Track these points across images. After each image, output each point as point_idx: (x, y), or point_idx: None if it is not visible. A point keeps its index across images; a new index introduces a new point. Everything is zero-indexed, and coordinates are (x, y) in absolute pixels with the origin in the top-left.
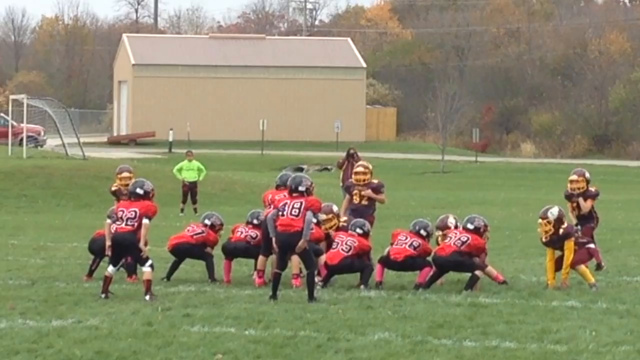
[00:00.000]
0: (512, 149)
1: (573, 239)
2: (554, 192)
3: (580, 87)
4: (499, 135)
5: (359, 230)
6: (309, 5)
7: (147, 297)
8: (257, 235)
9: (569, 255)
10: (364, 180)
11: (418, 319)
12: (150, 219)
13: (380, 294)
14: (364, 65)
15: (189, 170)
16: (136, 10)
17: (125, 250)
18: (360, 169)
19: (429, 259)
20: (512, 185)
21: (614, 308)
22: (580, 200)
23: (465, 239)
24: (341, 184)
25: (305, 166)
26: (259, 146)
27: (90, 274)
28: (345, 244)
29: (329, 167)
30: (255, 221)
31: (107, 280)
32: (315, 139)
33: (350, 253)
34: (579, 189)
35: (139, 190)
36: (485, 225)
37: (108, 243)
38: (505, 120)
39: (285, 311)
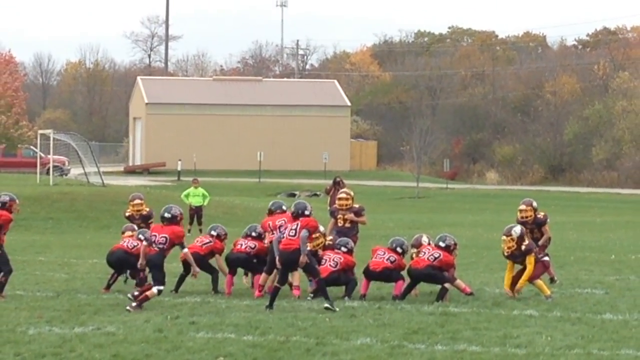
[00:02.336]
0: (478, 177)
1: (533, 254)
2: (514, 215)
3: (538, 122)
4: (466, 165)
5: (343, 249)
6: (301, 52)
7: (133, 305)
8: (255, 246)
9: (530, 269)
10: (346, 205)
11: (395, 326)
12: (182, 245)
13: (363, 304)
14: (349, 103)
15: (195, 196)
16: (149, 56)
17: (151, 269)
18: (343, 195)
19: (404, 272)
20: (478, 209)
21: (567, 316)
22: (544, 229)
23: (437, 255)
24: (329, 208)
25: (297, 192)
26: (256, 175)
27: (108, 287)
28: (333, 260)
29: (317, 193)
30: (253, 234)
31: (146, 289)
32: (306, 168)
33: (337, 268)
34: (528, 217)
35: (167, 215)
36: (455, 244)
37: (142, 262)
38: (472, 152)
39: (279, 319)
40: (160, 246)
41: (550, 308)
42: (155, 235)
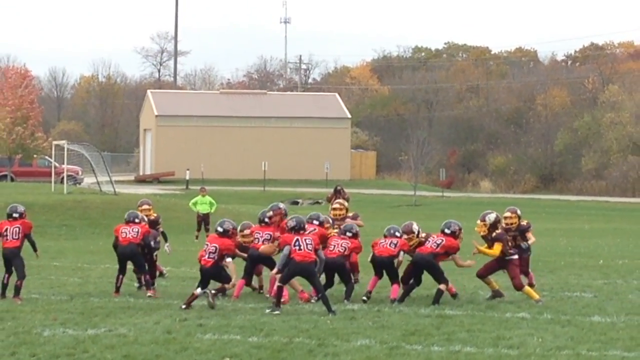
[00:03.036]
0: (473, 186)
1: (502, 243)
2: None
3: (530, 134)
4: (461, 175)
5: (349, 234)
6: (303, 66)
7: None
8: (270, 236)
9: (494, 252)
10: (340, 214)
11: (393, 328)
12: (231, 256)
13: (362, 307)
14: (349, 116)
15: (202, 204)
16: (159, 70)
17: (214, 278)
18: (337, 205)
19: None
20: (472, 217)
21: (557, 319)
22: (528, 235)
23: (440, 240)
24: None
25: (300, 200)
26: (261, 183)
27: (117, 290)
28: (341, 245)
29: (319, 200)
30: (266, 219)
31: (193, 296)
32: (308, 177)
33: (346, 253)
34: (512, 224)
35: (219, 229)
36: (460, 229)
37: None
38: (467, 162)
39: (282, 321)
40: (212, 256)
41: (541, 311)
42: (207, 245)
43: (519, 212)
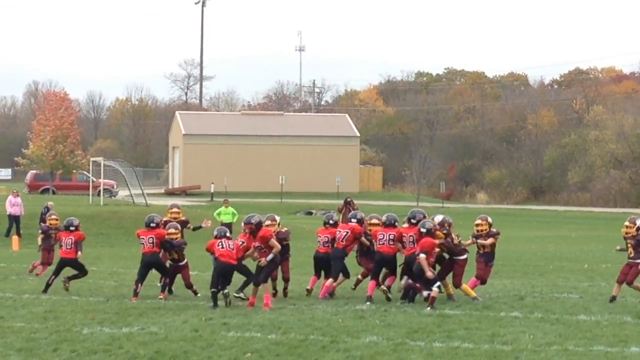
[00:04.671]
0: (470, 198)
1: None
2: (501, 229)
3: (521, 150)
4: (460, 187)
5: (353, 220)
6: (317, 89)
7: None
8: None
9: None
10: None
11: (399, 326)
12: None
13: (371, 307)
14: (358, 134)
15: (225, 214)
16: (186, 94)
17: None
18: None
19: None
20: (470, 225)
21: (547, 317)
22: (480, 240)
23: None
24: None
25: (313, 211)
26: (278, 196)
27: (136, 295)
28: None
29: (331, 211)
30: (331, 221)
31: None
32: (321, 190)
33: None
34: (482, 230)
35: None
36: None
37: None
38: (465, 176)
39: (298, 320)
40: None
41: (532, 310)
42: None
43: (489, 219)
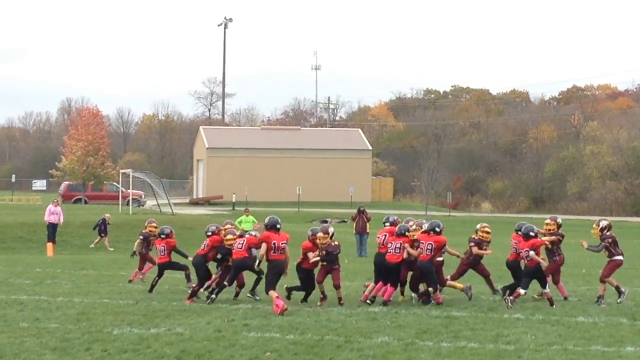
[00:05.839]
0: (475, 207)
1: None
2: (504, 236)
3: (523, 163)
4: (465, 197)
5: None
6: (331, 106)
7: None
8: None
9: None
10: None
11: (409, 327)
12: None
13: (382, 309)
14: (370, 148)
15: (246, 222)
16: (209, 110)
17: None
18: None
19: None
20: (473, 233)
21: (548, 319)
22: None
23: (431, 246)
24: (354, 231)
25: (328, 219)
26: (296, 205)
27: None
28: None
29: (345, 220)
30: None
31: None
32: (336, 200)
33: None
34: (550, 230)
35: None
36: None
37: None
38: (470, 186)
39: (315, 321)
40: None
41: (534, 312)
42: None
43: (559, 220)
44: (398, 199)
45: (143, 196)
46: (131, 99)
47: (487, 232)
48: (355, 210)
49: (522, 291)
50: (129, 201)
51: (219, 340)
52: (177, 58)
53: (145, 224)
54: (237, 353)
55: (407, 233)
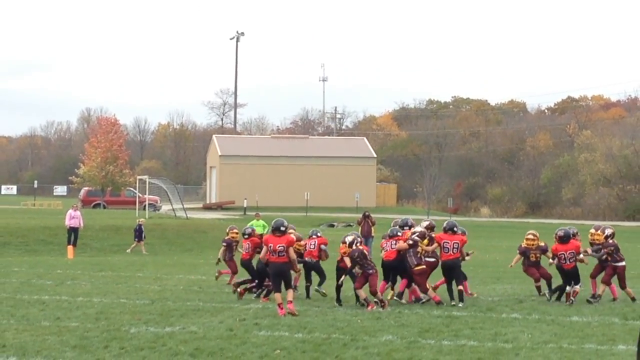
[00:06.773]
0: (474, 212)
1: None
2: (502, 240)
3: (520, 170)
4: (465, 202)
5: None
6: (338, 115)
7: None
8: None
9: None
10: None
11: (411, 326)
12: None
13: (386, 309)
14: (375, 155)
15: (257, 226)
16: (221, 119)
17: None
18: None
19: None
20: (474, 236)
21: (544, 318)
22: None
23: (457, 245)
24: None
25: (335, 223)
26: (304, 210)
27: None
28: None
29: (351, 224)
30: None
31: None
32: (342, 205)
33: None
34: (597, 240)
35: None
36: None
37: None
38: (470, 192)
39: (322, 321)
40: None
41: (530, 312)
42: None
43: (608, 231)
44: (401, 204)
45: (159, 201)
46: (148, 109)
47: (531, 239)
48: (360, 215)
49: (577, 287)
50: (145, 206)
51: (231, 338)
52: (192, 70)
53: (227, 230)
54: (248, 351)
55: (398, 234)
